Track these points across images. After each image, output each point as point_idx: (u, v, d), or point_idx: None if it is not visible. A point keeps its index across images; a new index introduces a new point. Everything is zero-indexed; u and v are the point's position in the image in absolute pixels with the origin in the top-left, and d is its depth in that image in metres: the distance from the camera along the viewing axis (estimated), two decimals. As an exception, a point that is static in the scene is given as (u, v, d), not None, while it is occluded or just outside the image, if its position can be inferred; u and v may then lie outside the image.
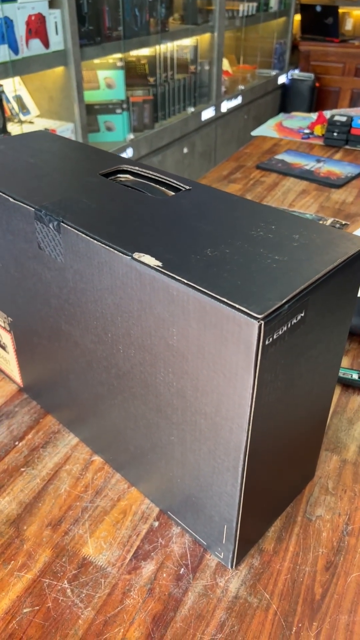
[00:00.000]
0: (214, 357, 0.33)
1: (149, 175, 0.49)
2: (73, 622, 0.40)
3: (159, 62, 2.23)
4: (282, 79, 3.59)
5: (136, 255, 0.35)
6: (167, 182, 0.47)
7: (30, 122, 1.77)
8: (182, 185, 0.46)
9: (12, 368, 0.61)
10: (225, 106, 2.87)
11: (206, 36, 2.58)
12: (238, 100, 3.01)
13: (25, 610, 0.41)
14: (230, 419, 0.34)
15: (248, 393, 0.32)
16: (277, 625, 0.40)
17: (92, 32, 1.74)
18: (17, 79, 1.75)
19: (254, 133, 1.64)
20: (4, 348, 0.60)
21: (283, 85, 3.63)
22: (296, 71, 3.71)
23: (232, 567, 0.43)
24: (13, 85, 1.70)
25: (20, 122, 1.75)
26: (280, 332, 0.31)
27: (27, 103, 1.80)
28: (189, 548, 0.45)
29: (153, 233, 0.38)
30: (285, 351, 0.33)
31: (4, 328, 0.57)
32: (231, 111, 2.96)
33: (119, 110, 1.99)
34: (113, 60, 1.98)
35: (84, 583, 0.42)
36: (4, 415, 0.58)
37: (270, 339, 0.30)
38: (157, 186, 0.47)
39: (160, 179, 0.48)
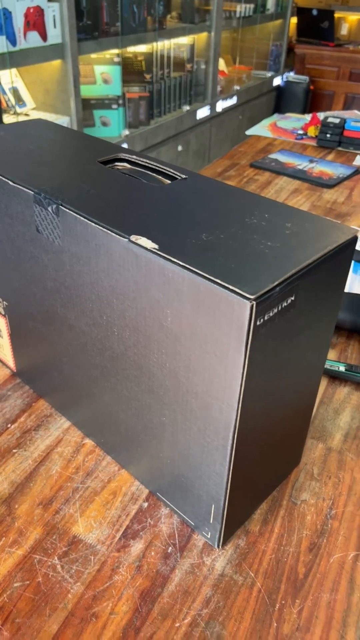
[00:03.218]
0: (206, 337, 0.34)
1: (147, 164, 0.50)
2: (62, 596, 0.41)
3: (155, 60, 2.24)
4: (277, 81, 3.61)
5: (133, 237, 0.36)
6: (164, 171, 0.48)
7: (26, 115, 1.77)
8: (178, 174, 0.47)
9: (6, 352, 0.62)
10: (221, 106, 2.89)
11: (203, 35, 2.59)
12: (233, 101, 3.03)
13: (15, 585, 0.41)
14: (221, 399, 0.36)
15: (239, 373, 0.33)
16: (261, 602, 0.41)
17: (90, 27, 1.75)
18: (14, 71, 1.75)
19: (248, 132, 1.66)
20: (-2, 332, 0.61)
21: (278, 87, 3.66)
22: (291, 73, 3.74)
23: (218, 546, 0.45)
24: (10, 77, 1.70)
25: (16, 114, 1.75)
26: (271, 314, 0.32)
27: (23, 95, 1.80)
28: (177, 528, 0.46)
29: (150, 218, 0.39)
30: (276, 334, 0.34)
31: (-1, 312, 0.58)
32: (226, 111, 2.98)
33: (114, 106, 2.00)
34: (110, 55, 1.99)
35: (73, 560, 0.43)
36: (-3, 398, 0.59)
37: (262, 320, 0.32)
38: (154, 174, 0.48)
39: (157, 168, 0.49)
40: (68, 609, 0.40)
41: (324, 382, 0.64)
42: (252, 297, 0.30)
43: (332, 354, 0.69)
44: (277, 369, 0.37)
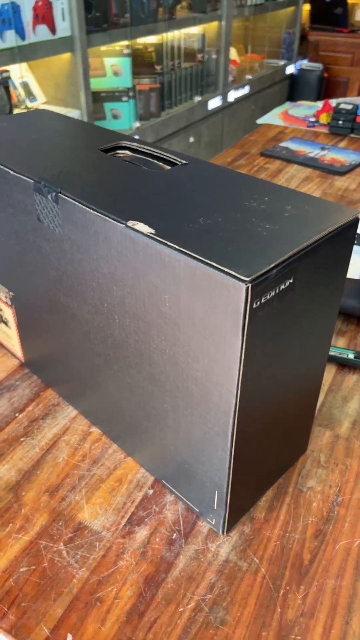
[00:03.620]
0: (204, 322, 0.34)
1: (147, 151, 0.49)
2: (68, 581, 0.41)
3: (165, 51, 2.22)
4: (290, 69, 3.56)
5: (130, 223, 0.36)
6: (165, 157, 0.48)
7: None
8: (179, 160, 0.47)
9: (14, 343, 0.62)
10: (233, 96, 2.86)
11: (214, 25, 2.57)
12: (245, 90, 3.00)
13: (22, 569, 0.42)
14: (220, 384, 0.35)
15: (237, 357, 0.33)
16: (265, 588, 0.41)
17: (98, 19, 1.74)
18: (24, 65, 1.76)
19: (259, 121, 1.64)
20: (5, 323, 0.61)
21: (291, 75, 3.61)
22: (305, 61, 3.68)
23: (223, 533, 0.45)
24: (19, 72, 1.70)
25: (27, 108, 1.76)
26: (268, 297, 0.32)
27: (34, 90, 1.81)
28: (181, 515, 0.46)
29: (148, 203, 0.38)
30: (274, 317, 0.34)
31: (6, 303, 0.58)
32: (238, 101, 2.95)
33: (125, 98, 2.00)
34: (120, 47, 1.98)
35: (79, 545, 0.44)
36: (5, 388, 0.60)
37: (258, 303, 0.31)
38: (155, 161, 0.48)
39: (158, 155, 0.48)
40: (73, 593, 0.41)
41: (332, 370, 0.63)
42: (247, 279, 0.30)
43: (341, 342, 0.68)
44: (277, 354, 0.37)
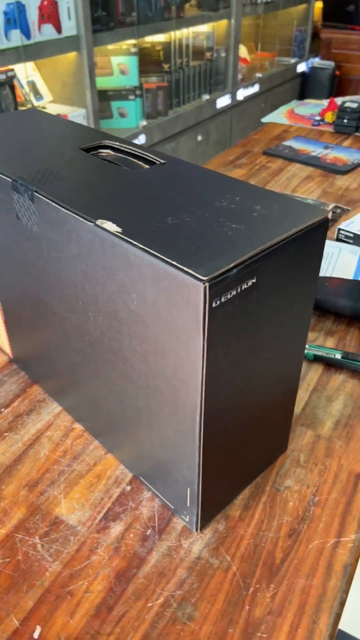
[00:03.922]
0: (169, 320, 0.34)
1: (129, 150, 0.50)
2: (40, 574, 0.42)
3: (174, 49, 2.23)
4: (301, 67, 3.54)
5: (99, 222, 0.36)
6: (144, 156, 0.48)
7: (43, 108, 1.79)
8: (157, 159, 0.47)
9: (2, 339, 0.63)
10: (242, 94, 2.85)
11: (223, 23, 2.56)
12: (255, 88, 2.98)
13: (-4, 562, 0.43)
14: (187, 382, 0.36)
15: (199, 355, 0.33)
16: (235, 585, 0.41)
17: (105, 18, 1.75)
18: (31, 64, 1.77)
19: (264, 120, 1.63)
20: (-6, 320, 0.62)
21: (302, 73, 3.59)
22: (317, 59, 3.66)
23: (197, 530, 0.45)
24: (25, 71, 1.72)
25: (33, 107, 1.77)
26: (229, 296, 0.32)
27: (41, 88, 1.82)
28: (157, 511, 0.47)
29: (120, 202, 0.39)
30: (238, 316, 0.34)
31: (-7, 300, 0.59)
32: (248, 99, 2.94)
33: (132, 97, 2.00)
34: (127, 46, 1.98)
35: (54, 539, 0.44)
36: (-7, 384, 0.61)
37: (218, 302, 0.31)
38: (135, 160, 0.48)
39: (138, 154, 0.49)
40: (45, 586, 0.41)
41: (319, 370, 0.63)
42: (204, 278, 0.30)
43: (330, 342, 0.68)
44: (244, 353, 0.37)
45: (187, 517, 0.45)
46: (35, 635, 0.38)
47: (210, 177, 0.43)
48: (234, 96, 2.76)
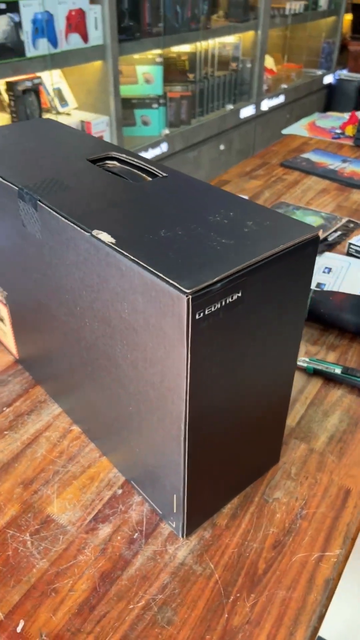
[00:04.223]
0: (157, 330, 0.35)
1: (134, 163, 0.51)
2: (28, 570, 0.43)
3: (199, 59, 2.25)
4: (328, 79, 3.53)
5: (95, 232, 0.37)
6: (148, 169, 0.49)
7: (67, 114, 1.83)
8: (160, 172, 0.48)
9: (9, 340, 0.65)
10: (267, 104, 2.86)
11: (250, 34, 2.58)
12: (280, 99, 2.99)
13: (-14, 556, 0.44)
14: (172, 390, 0.37)
15: (183, 365, 0.34)
16: (216, 593, 0.42)
17: (131, 28, 1.78)
18: (58, 71, 1.81)
19: (284, 131, 1.64)
20: (2, 320, 0.64)
21: (329, 85, 3.58)
22: (344, 71, 3.65)
23: (182, 536, 0.46)
24: (51, 78, 1.76)
25: (58, 113, 1.81)
26: (213, 309, 0.33)
27: (66, 95, 1.86)
28: (146, 516, 0.48)
29: (118, 214, 0.40)
30: (223, 328, 0.35)
31: (1, 301, 0.61)
32: (273, 110, 2.94)
33: (155, 105, 2.03)
34: (152, 55, 2.02)
35: (44, 537, 0.46)
36: (-3, 383, 0.62)
37: (202, 314, 0.32)
38: (140, 172, 0.49)
39: (142, 166, 0.50)
40: (31, 582, 0.43)
41: (318, 384, 0.63)
42: (188, 291, 0.31)
43: (332, 356, 0.68)
44: (231, 364, 0.38)
45: (174, 523, 0.46)
46: (18, 629, 0.40)
47: (209, 191, 0.44)
48: (258, 106, 2.77)
